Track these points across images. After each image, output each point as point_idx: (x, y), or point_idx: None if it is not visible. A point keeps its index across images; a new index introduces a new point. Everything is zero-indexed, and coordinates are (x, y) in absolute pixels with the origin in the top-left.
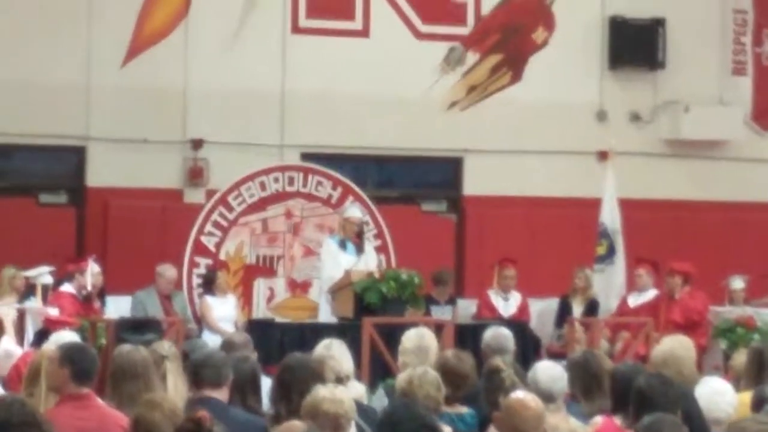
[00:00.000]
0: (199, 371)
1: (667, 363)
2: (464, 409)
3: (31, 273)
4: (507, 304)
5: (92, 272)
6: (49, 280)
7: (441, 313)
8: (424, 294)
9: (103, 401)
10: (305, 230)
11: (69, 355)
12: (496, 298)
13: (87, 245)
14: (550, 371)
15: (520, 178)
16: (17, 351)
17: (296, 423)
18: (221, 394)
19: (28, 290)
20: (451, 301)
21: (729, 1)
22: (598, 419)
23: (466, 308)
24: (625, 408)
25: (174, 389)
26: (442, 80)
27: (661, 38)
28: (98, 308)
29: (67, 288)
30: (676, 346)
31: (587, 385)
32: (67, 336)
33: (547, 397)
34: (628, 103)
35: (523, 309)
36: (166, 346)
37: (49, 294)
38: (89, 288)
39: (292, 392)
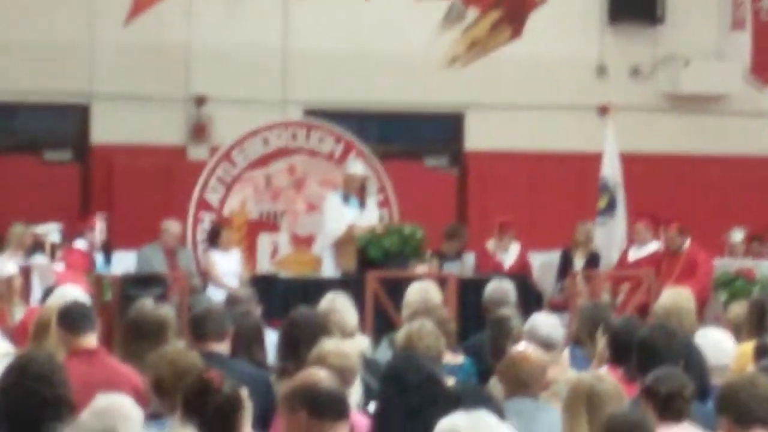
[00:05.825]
0: (201, 325)
1: (669, 315)
2: (462, 359)
3: (40, 230)
4: (506, 254)
5: (100, 229)
6: (57, 237)
7: (453, 268)
8: (435, 248)
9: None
10: (308, 185)
11: (60, 312)
12: (494, 249)
13: (92, 202)
14: (548, 320)
15: (521, 133)
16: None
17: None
18: (223, 348)
19: (34, 246)
20: (459, 256)
21: None
22: (603, 369)
23: (468, 262)
24: (623, 361)
25: None
26: (443, 37)
27: None
28: None
29: (79, 244)
30: (678, 299)
31: (594, 330)
32: (69, 290)
33: (548, 345)
34: (628, 58)
35: (523, 259)
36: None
37: (57, 252)
38: (98, 244)
39: (300, 347)
